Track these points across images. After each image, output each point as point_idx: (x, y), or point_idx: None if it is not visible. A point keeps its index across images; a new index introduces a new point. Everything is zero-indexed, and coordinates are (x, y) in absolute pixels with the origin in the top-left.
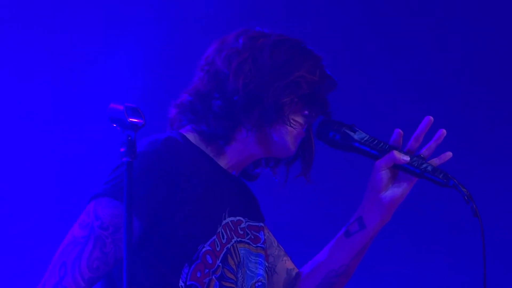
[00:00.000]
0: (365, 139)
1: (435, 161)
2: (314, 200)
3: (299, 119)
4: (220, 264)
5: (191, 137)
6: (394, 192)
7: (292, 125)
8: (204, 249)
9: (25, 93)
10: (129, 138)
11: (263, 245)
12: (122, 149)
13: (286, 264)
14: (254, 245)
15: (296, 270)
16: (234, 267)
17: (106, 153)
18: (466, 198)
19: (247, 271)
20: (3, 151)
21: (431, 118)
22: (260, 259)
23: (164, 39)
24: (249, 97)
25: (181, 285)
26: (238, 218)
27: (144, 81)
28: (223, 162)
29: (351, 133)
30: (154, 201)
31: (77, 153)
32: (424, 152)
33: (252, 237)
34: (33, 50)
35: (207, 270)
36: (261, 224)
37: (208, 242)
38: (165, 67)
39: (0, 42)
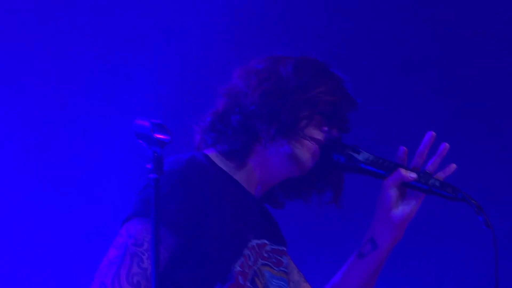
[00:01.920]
0: (370, 159)
1: (441, 175)
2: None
3: (317, 135)
4: (250, 285)
5: (214, 156)
6: (404, 209)
7: (310, 140)
8: (236, 270)
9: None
10: (155, 154)
11: (285, 269)
12: (148, 166)
13: None
14: (277, 269)
15: None
16: None
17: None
18: (476, 209)
19: None
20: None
21: (433, 133)
22: (283, 283)
23: (189, 55)
24: (266, 109)
25: None
26: (263, 241)
27: (167, 98)
28: (244, 180)
29: (355, 154)
30: (185, 214)
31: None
32: (429, 167)
33: (275, 260)
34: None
35: None
36: (284, 248)
37: (238, 263)
38: (188, 85)
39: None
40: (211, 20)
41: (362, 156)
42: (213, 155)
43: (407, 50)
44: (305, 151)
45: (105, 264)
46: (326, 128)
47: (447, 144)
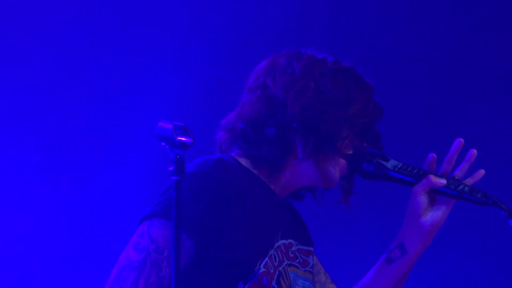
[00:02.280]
0: (399, 166)
1: (470, 181)
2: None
3: (349, 151)
4: (276, 286)
5: (242, 160)
6: (434, 216)
7: (342, 157)
8: (260, 271)
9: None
10: (178, 156)
11: (311, 270)
12: (170, 168)
13: None
14: (303, 269)
15: None
16: None
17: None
18: (507, 214)
19: None
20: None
21: (462, 140)
22: (308, 283)
23: (210, 55)
24: (307, 124)
25: None
26: (289, 241)
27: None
28: (272, 186)
29: (384, 162)
30: (207, 221)
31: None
32: (458, 173)
33: (301, 261)
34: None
35: None
36: (311, 248)
37: (263, 264)
38: (211, 84)
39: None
40: (230, 18)
41: (391, 164)
42: (241, 159)
43: (420, 51)
44: (337, 169)
45: (125, 266)
46: (358, 144)
47: (475, 150)
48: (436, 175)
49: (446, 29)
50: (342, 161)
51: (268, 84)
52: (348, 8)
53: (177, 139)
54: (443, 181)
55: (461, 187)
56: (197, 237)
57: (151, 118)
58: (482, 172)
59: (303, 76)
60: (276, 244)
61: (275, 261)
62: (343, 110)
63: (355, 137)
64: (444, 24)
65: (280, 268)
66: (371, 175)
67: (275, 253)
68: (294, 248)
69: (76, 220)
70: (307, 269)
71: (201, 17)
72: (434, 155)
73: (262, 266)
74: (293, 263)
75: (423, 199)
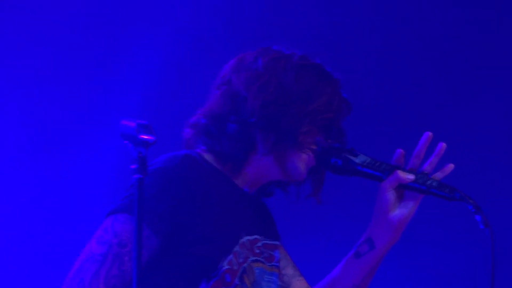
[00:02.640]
0: (367, 161)
1: (439, 175)
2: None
3: (314, 147)
4: (238, 283)
5: (207, 156)
6: (402, 211)
7: (306, 152)
8: (224, 268)
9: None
10: (140, 155)
11: (277, 264)
12: (133, 166)
13: (301, 283)
14: (269, 264)
15: None
16: (249, 286)
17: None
18: (474, 209)
19: None
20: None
21: (430, 133)
22: (274, 278)
23: (177, 54)
24: (267, 119)
25: None
26: (254, 236)
27: (156, 97)
28: (237, 181)
29: (353, 157)
30: (172, 217)
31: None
32: (427, 168)
33: (267, 255)
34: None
35: None
36: (277, 242)
37: (227, 261)
38: (178, 82)
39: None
40: (201, 18)
41: (359, 159)
42: (206, 155)
43: (400, 49)
44: (301, 163)
45: (87, 259)
46: (322, 139)
47: (444, 144)
48: (404, 170)
49: (422, 26)
50: (306, 156)
51: (232, 80)
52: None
53: (139, 137)
54: (411, 177)
55: (429, 182)
56: (162, 233)
57: (115, 117)
58: (451, 166)
59: (266, 72)
60: (241, 241)
61: (240, 258)
62: (304, 105)
63: (318, 132)
64: (419, 21)
65: (245, 265)
66: (340, 170)
67: (239, 249)
68: (259, 244)
69: (49, 217)
70: (273, 263)
71: (165, 15)
72: (402, 150)
73: (226, 263)
74: (259, 258)
75: (391, 194)
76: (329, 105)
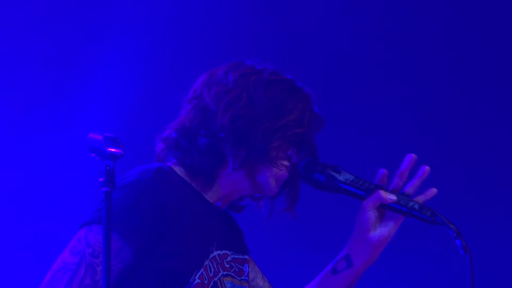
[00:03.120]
0: (351, 179)
1: (421, 198)
2: (300, 235)
3: (285, 162)
4: None
5: (178, 170)
6: (382, 231)
7: (277, 167)
8: (195, 282)
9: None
10: (108, 168)
11: (246, 278)
12: (101, 179)
13: None
14: (239, 278)
15: None
16: None
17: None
18: (454, 234)
19: None
20: None
21: (414, 155)
22: None
23: (150, 65)
24: (236, 134)
25: None
26: (224, 251)
27: (127, 109)
28: (208, 196)
29: (336, 174)
30: (146, 230)
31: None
32: (409, 189)
33: (237, 270)
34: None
35: None
36: (246, 257)
37: (198, 275)
38: (151, 94)
39: None
40: (175, 30)
41: (342, 176)
42: (177, 169)
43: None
44: (272, 178)
45: (60, 268)
46: (293, 155)
47: (427, 167)
48: (387, 190)
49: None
50: (278, 171)
51: (203, 95)
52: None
53: (107, 150)
54: (393, 197)
55: (411, 204)
56: (136, 245)
57: (87, 125)
58: (434, 190)
59: (236, 87)
60: (211, 255)
61: (210, 272)
62: (274, 120)
63: (289, 147)
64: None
65: (215, 279)
66: (322, 186)
67: (210, 264)
68: (229, 258)
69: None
70: (242, 278)
71: (137, 26)
72: (385, 170)
73: (197, 277)
74: (229, 273)
75: (372, 213)
76: (300, 120)
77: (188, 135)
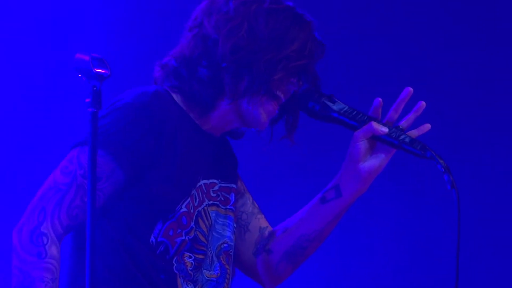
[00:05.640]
0: (344, 109)
1: (414, 133)
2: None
3: (286, 92)
4: (194, 226)
5: (176, 96)
6: (372, 163)
7: (274, 99)
8: (181, 210)
9: None
10: (95, 88)
11: (232, 207)
12: (87, 100)
13: (260, 222)
14: (224, 207)
15: (269, 228)
16: (205, 230)
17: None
18: (443, 169)
19: (214, 233)
20: None
21: (411, 89)
22: (228, 221)
23: None
24: (238, 64)
25: (152, 241)
26: (211, 180)
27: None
28: (202, 125)
29: (330, 104)
30: (139, 153)
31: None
32: (403, 123)
33: (223, 199)
34: None
35: (180, 230)
36: (233, 185)
37: (185, 204)
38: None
39: None
40: None
41: (336, 106)
42: (175, 95)
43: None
44: (264, 113)
45: (51, 188)
46: (294, 83)
47: (423, 103)
48: (380, 122)
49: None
50: (272, 103)
51: (204, 23)
52: None
53: (94, 70)
54: (385, 129)
55: (402, 137)
56: (128, 168)
57: None
58: (427, 126)
59: (237, 16)
60: (198, 184)
61: (195, 202)
62: (276, 51)
63: (291, 77)
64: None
65: (200, 209)
66: (316, 115)
67: (196, 193)
68: (216, 188)
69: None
70: (228, 206)
71: None
72: (380, 100)
73: (184, 205)
74: (215, 202)
75: (363, 144)
76: (302, 50)
77: (189, 65)
